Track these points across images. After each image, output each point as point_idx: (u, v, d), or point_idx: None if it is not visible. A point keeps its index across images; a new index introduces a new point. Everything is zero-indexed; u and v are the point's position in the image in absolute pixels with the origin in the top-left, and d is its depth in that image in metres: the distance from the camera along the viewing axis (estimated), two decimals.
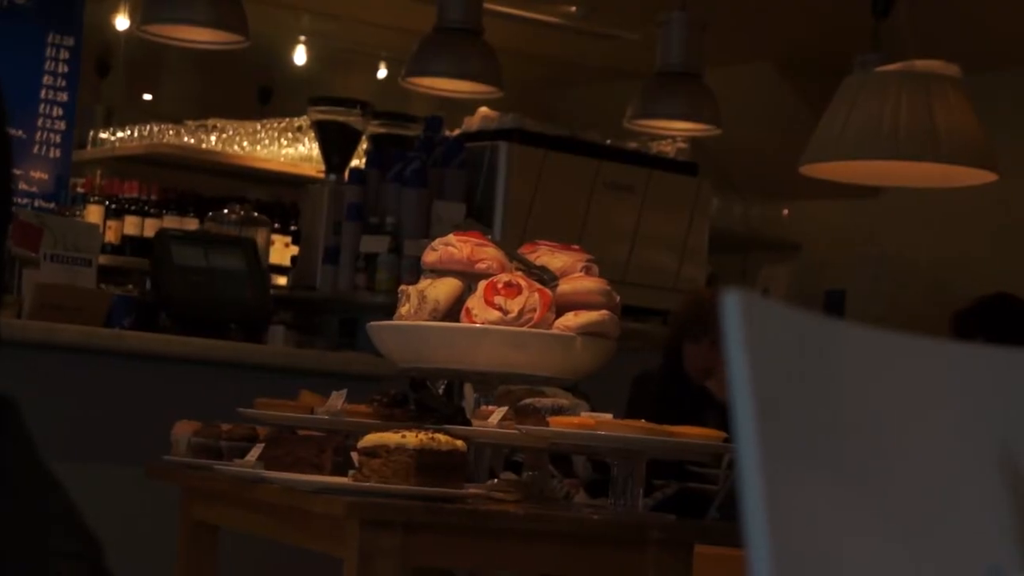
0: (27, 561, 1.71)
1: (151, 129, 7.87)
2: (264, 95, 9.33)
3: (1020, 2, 6.34)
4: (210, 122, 7.87)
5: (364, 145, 6.40)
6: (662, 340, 4.89)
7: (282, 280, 6.69)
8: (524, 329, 2.88)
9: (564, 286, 2.98)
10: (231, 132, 7.86)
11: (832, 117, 4.42)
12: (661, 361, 4.72)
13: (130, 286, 6.31)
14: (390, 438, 2.62)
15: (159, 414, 3.68)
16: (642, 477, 2.83)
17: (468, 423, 3.03)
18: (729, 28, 6.78)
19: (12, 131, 2.14)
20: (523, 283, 2.91)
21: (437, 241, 3.07)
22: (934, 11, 6.00)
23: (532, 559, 2.79)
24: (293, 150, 7.87)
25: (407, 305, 3.00)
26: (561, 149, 5.91)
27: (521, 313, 2.88)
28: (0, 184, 1.61)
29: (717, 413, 4.43)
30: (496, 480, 2.99)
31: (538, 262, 3.04)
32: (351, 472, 2.68)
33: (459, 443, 2.67)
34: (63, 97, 6.14)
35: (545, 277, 2.99)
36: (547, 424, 2.75)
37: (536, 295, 2.91)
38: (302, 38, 8.77)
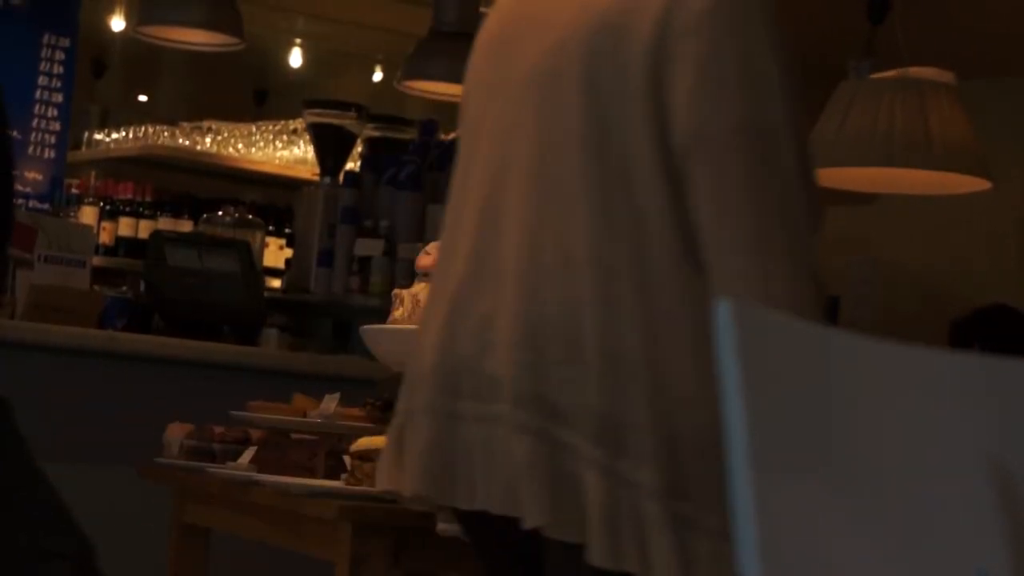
0: (14, 561, 1.71)
1: (146, 130, 7.86)
2: (259, 97, 9.33)
3: (1014, 9, 6.34)
4: (205, 124, 7.87)
5: (359, 148, 6.40)
6: None
7: (276, 283, 6.68)
8: None
9: None
10: (226, 134, 7.86)
11: (826, 124, 4.42)
12: None
13: (124, 288, 6.30)
14: (383, 442, 2.62)
15: (152, 416, 3.67)
16: None
17: None
18: None
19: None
20: None
21: (431, 245, 3.07)
22: (928, 18, 6.01)
23: None
24: (288, 153, 7.86)
25: (401, 309, 3.00)
26: None
27: None
28: (2, 192, 1.61)
29: None
30: None
31: None
32: (343, 476, 2.68)
33: None
34: (58, 98, 6.14)
35: None
36: None
37: None
38: (298, 40, 8.77)
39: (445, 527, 2.31)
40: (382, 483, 2.26)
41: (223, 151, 7.83)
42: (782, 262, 2.01)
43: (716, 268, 2.02)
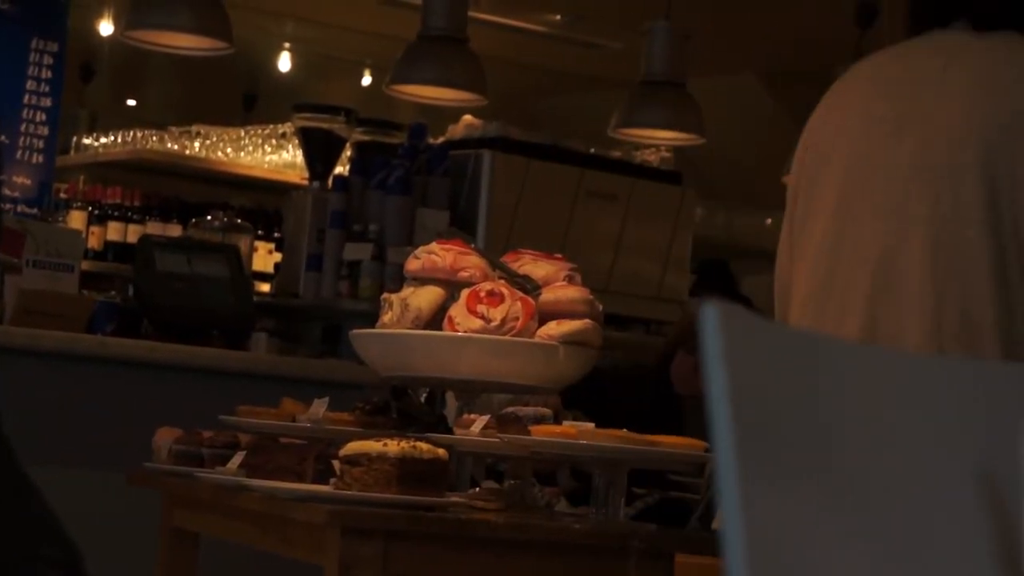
0: (3, 569, 1.71)
1: (135, 135, 7.86)
2: (248, 101, 9.33)
3: None
4: (194, 128, 7.86)
5: (348, 152, 6.40)
6: (660, 345, 4.95)
7: (265, 287, 6.68)
8: (506, 338, 2.88)
9: (547, 295, 2.98)
10: (215, 138, 7.85)
11: None
12: (656, 364, 4.78)
13: (112, 292, 6.30)
14: (372, 446, 2.62)
15: (141, 421, 3.67)
16: (623, 486, 2.83)
17: (450, 431, 3.02)
18: (713, 38, 6.79)
19: None
20: (506, 292, 2.91)
21: (420, 249, 3.07)
22: None
23: (513, 568, 2.79)
24: (277, 157, 7.86)
25: (390, 313, 3.00)
26: (545, 157, 5.92)
27: (504, 322, 2.88)
28: None
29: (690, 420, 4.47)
30: (478, 489, 2.99)
31: (521, 271, 3.04)
32: (332, 480, 2.68)
33: (441, 452, 2.67)
34: (47, 102, 6.13)
35: (528, 286, 2.99)
36: (529, 433, 2.75)
37: (519, 304, 2.91)
38: (287, 45, 8.77)
39: None
40: None
41: (212, 155, 7.83)
42: None
43: None
